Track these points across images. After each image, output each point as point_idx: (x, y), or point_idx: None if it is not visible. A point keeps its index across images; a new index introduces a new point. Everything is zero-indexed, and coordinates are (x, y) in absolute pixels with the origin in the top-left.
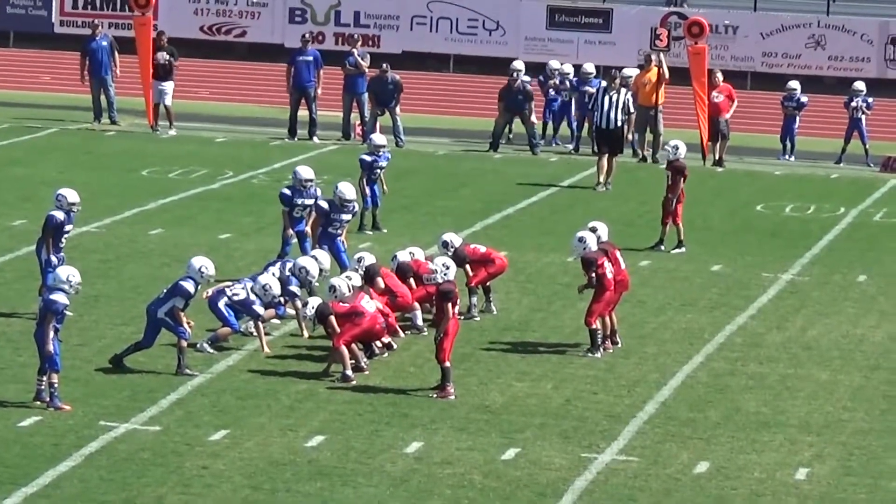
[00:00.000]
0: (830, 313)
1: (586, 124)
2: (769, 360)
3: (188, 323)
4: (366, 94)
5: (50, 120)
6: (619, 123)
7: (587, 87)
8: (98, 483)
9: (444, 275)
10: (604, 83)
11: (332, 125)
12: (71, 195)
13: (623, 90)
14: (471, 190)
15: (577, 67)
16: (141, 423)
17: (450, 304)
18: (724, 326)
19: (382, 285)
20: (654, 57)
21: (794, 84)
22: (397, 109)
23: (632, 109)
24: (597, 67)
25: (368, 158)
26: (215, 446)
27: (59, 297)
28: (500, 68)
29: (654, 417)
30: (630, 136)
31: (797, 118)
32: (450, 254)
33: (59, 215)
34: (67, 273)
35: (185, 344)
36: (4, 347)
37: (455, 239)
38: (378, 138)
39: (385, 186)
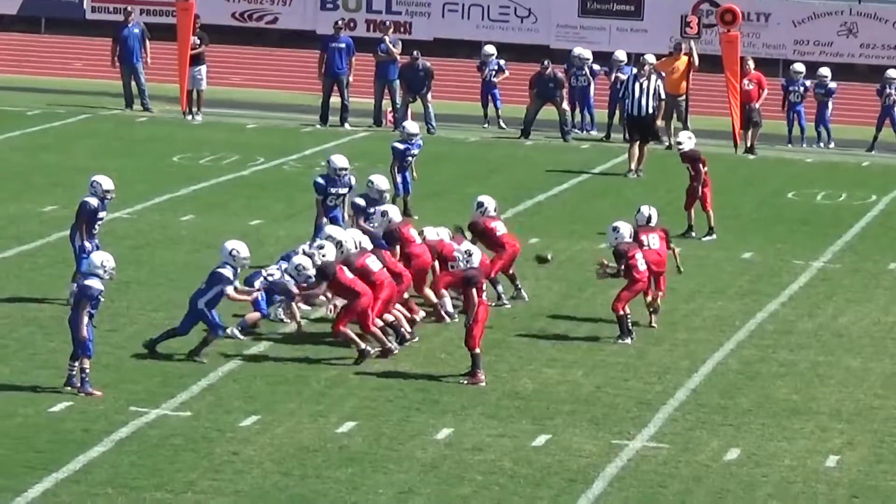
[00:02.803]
0: (861, 301)
1: (617, 111)
2: (800, 348)
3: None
4: (397, 81)
5: (81, 106)
6: (650, 110)
7: (619, 75)
8: (128, 468)
9: (467, 262)
10: (634, 70)
11: (364, 112)
12: (106, 182)
13: (654, 77)
14: (502, 177)
15: (609, 55)
16: (171, 408)
17: (475, 291)
18: (755, 314)
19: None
20: (683, 45)
21: (825, 71)
22: (429, 96)
23: (662, 96)
24: (628, 55)
25: (401, 146)
26: (246, 432)
27: (93, 283)
28: (532, 56)
29: (684, 404)
30: (661, 123)
31: (828, 105)
32: (481, 213)
33: (94, 202)
34: (102, 258)
35: (212, 339)
36: (36, 333)
37: (490, 203)
38: (411, 126)
39: (415, 173)
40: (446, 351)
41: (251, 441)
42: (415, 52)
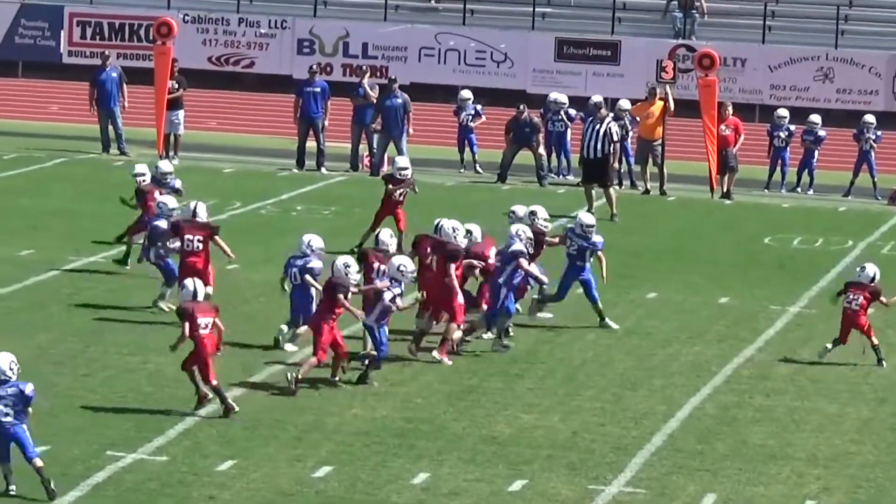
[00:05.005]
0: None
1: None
2: (776, 393)
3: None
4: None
5: (58, 150)
6: (601, 154)
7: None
8: None
9: (193, 297)
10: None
11: (340, 156)
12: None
13: (606, 120)
14: (479, 222)
15: (585, 99)
16: (148, 453)
17: (187, 325)
18: (732, 359)
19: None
20: (659, 89)
21: (816, 118)
22: (405, 139)
23: (615, 139)
24: (605, 100)
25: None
26: (222, 476)
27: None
28: (509, 100)
29: (661, 449)
30: (616, 165)
31: (815, 152)
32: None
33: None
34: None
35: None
36: None
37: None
38: (165, 165)
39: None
40: (422, 396)
41: (227, 486)
42: (392, 76)
